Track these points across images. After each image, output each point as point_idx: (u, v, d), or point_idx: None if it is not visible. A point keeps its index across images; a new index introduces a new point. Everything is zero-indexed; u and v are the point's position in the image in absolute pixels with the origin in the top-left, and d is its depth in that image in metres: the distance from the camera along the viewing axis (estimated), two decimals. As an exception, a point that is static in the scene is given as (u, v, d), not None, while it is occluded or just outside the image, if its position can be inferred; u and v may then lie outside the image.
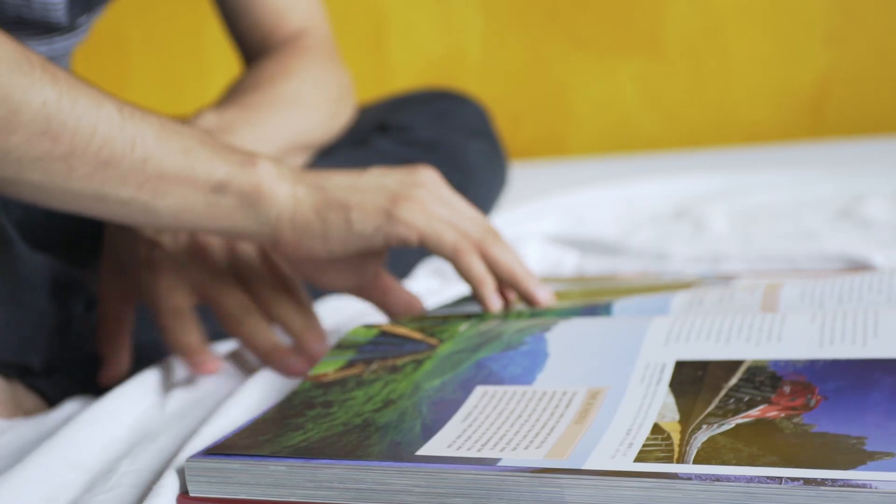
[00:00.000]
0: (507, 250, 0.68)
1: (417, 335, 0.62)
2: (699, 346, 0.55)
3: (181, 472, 0.50)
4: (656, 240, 1.09)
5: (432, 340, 0.60)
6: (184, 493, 0.49)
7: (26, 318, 0.68)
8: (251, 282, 0.70)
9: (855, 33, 1.87)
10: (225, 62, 1.48)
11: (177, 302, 0.68)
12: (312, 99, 0.89)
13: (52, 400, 0.70)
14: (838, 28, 1.88)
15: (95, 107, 0.58)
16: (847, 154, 1.64)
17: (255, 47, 0.94)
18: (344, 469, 0.47)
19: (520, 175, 1.35)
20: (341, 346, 0.62)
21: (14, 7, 0.72)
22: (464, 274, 0.67)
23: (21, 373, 0.70)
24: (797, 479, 0.41)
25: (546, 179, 1.50)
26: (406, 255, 0.92)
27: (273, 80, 0.86)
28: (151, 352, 0.74)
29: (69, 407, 0.67)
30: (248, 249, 0.71)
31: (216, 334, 0.74)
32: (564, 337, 0.59)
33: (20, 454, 0.57)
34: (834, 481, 0.41)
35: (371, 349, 0.61)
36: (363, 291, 0.71)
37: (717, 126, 1.93)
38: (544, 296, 0.68)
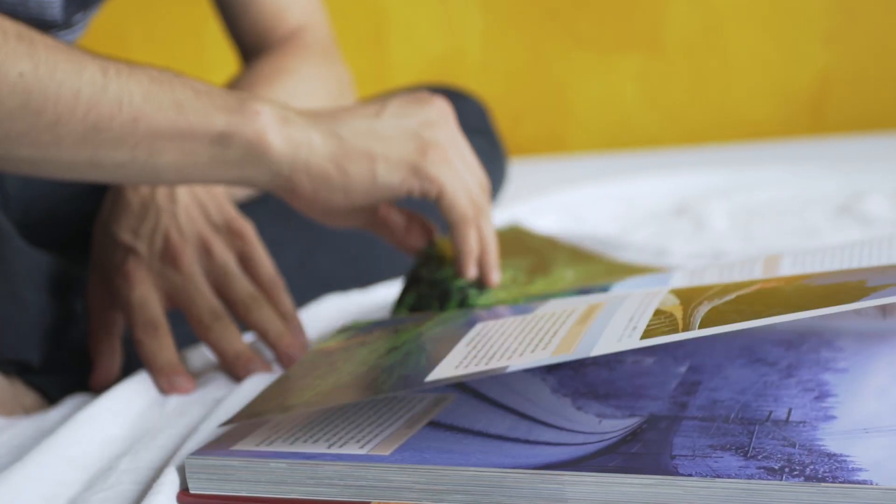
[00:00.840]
0: (491, 227, 0.69)
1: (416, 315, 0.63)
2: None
3: (181, 470, 0.50)
4: (656, 237, 1.09)
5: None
6: (184, 490, 0.49)
7: (25, 316, 0.68)
8: (227, 287, 0.69)
9: (855, 31, 1.87)
10: (225, 61, 1.48)
11: (150, 314, 0.67)
12: (312, 96, 0.89)
13: (51, 398, 0.70)
14: (838, 26, 1.87)
15: (77, 71, 0.57)
16: (847, 151, 1.64)
17: (253, 46, 0.93)
18: (345, 466, 0.47)
19: (519, 172, 1.35)
20: (343, 329, 0.63)
21: (9, 4, 0.72)
22: (459, 242, 0.67)
23: (21, 370, 0.70)
24: (798, 476, 0.41)
25: (546, 177, 1.50)
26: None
27: (270, 78, 0.86)
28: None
29: (69, 405, 0.67)
30: (224, 254, 0.70)
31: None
32: (565, 301, 0.60)
33: (20, 452, 0.57)
34: (835, 478, 0.41)
35: (372, 327, 0.62)
36: (374, 228, 0.71)
37: (717, 124, 1.93)
38: (496, 278, 0.69)
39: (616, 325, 0.48)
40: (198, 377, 0.68)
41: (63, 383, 0.71)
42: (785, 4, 1.89)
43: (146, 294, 0.68)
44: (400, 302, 0.70)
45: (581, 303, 0.54)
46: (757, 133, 1.90)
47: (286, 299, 0.71)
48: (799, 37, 1.89)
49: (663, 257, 0.98)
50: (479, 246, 0.68)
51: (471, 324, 0.55)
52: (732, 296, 0.47)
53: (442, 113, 0.66)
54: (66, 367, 0.72)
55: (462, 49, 1.97)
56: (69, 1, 0.76)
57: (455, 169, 0.65)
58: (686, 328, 0.44)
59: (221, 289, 0.69)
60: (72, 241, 0.83)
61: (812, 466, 0.42)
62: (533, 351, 0.47)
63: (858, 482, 0.40)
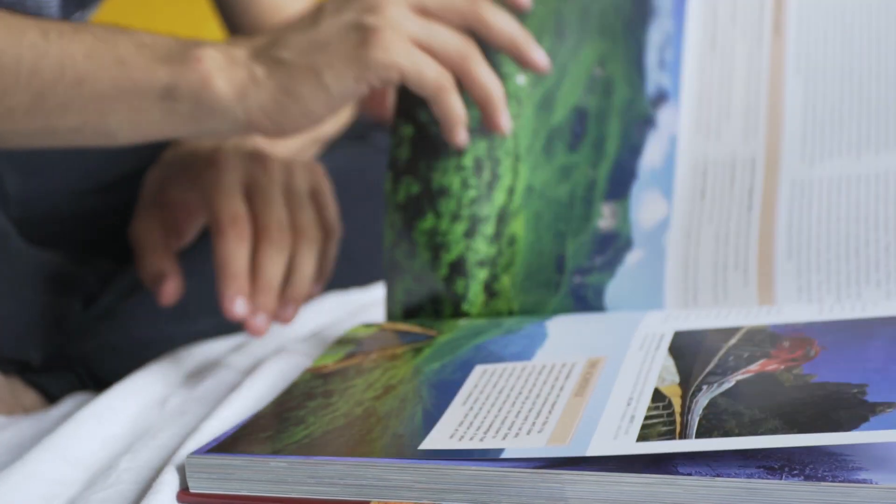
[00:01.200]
0: (485, 71, 0.62)
1: (417, 329, 0.62)
2: (698, 321, 0.56)
3: (181, 469, 0.50)
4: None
5: (431, 332, 0.61)
6: (184, 489, 0.49)
7: (25, 314, 0.68)
8: (295, 211, 0.68)
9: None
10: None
11: (236, 205, 0.66)
12: None
13: (51, 396, 0.70)
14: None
15: (16, 37, 0.56)
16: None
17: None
18: (345, 466, 0.47)
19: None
20: (341, 341, 0.62)
21: (6, 4, 0.72)
22: (442, 114, 0.62)
23: (20, 369, 0.70)
24: (798, 475, 0.41)
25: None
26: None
27: None
28: (155, 347, 0.74)
29: (69, 403, 0.67)
30: (302, 180, 0.69)
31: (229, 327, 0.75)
32: (564, 322, 0.59)
33: (20, 451, 0.57)
34: (835, 477, 0.41)
35: (370, 343, 0.61)
36: (363, 108, 0.70)
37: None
38: (506, 124, 0.63)
39: (614, 407, 0.48)
40: (198, 376, 0.68)
41: (63, 382, 0.71)
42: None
43: (234, 183, 0.66)
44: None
45: (580, 356, 0.54)
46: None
47: (333, 251, 0.71)
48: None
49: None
50: (465, 108, 0.62)
51: (468, 366, 0.55)
52: (732, 382, 0.47)
53: None
54: (65, 366, 0.72)
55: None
56: (66, 2, 0.76)
57: (409, 39, 0.58)
58: (683, 431, 0.44)
59: (291, 211, 0.69)
60: (71, 240, 0.83)
61: (812, 466, 0.42)
62: (528, 433, 0.47)
63: (858, 482, 0.40)
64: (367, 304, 0.81)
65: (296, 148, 0.79)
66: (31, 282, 0.70)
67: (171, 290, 0.68)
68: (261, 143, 0.71)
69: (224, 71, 0.57)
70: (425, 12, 0.59)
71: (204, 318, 0.77)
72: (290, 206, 0.68)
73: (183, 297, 0.78)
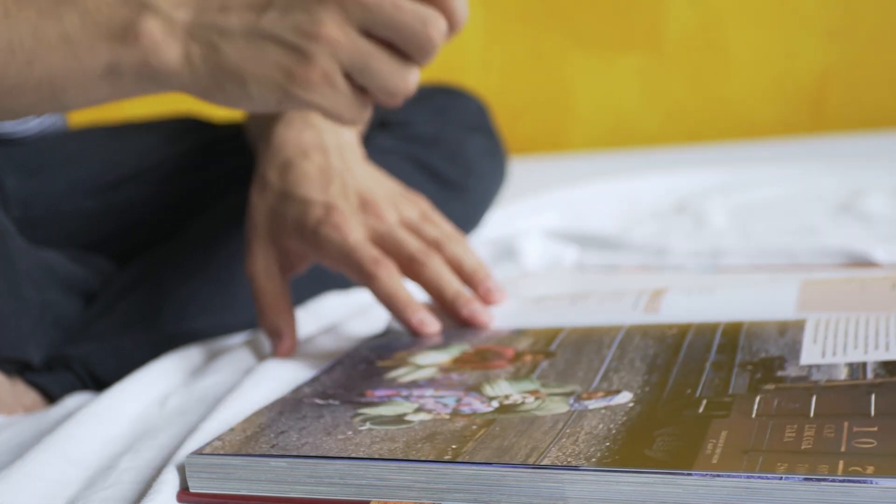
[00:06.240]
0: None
1: None
2: None
3: (181, 469, 0.50)
4: (656, 235, 1.09)
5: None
6: (184, 489, 0.49)
7: (26, 314, 0.68)
8: (420, 232, 0.71)
9: (855, 29, 1.87)
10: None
11: (373, 252, 0.68)
12: None
13: (51, 396, 0.70)
14: (838, 24, 1.87)
15: None
16: (847, 148, 1.64)
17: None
18: (345, 465, 0.47)
19: (520, 170, 1.35)
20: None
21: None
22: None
23: (21, 369, 0.70)
24: (797, 475, 0.41)
25: (546, 175, 1.50)
26: None
27: None
28: (156, 347, 0.74)
29: (69, 403, 0.67)
30: (410, 209, 0.72)
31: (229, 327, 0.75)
32: None
33: (20, 450, 0.57)
34: (834, 477, 0.41)
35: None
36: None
37: (716, 121, 1.93)
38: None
39: None
40: (198, 376, 0.68)
41: (63, 382, 0.71)
42: (785, 2, 1.89)
43: (361, 236, 0.69)
44: None
45: None
46: (757, 131, 1.90)
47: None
48: (799, 34, 1.89)
49: (663, 255, 0.98)
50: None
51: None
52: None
53: (331, 16, 0.56)
54: (66, 366, 0.72)
55: (462, 47, 1.97)
56: None
57: (331, 82, 0.57)
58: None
59: (415, 233, 0.71)
60: (72, 240, 0.83)
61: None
62: None
63: (858, 481, 0.40)
64: (367, 305, 0.81)
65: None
66: (32, 281, 0.70)
67: (286, 347, 0.70)
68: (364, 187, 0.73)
69: (161, 46, 0.56)
70: (368, 31, 0.57)
71: (204, 318, 0.77)
72: (414, 233, 0.71)
73: (183, 297, 0.78)
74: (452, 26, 0.58)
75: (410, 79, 0.58)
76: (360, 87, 0.58)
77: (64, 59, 0.56)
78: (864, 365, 0.51)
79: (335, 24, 0.56)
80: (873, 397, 0.47)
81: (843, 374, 0.51)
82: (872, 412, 0.46)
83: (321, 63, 0.56)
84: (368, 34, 0.57)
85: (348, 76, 0.57)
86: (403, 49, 0.57)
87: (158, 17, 0.57)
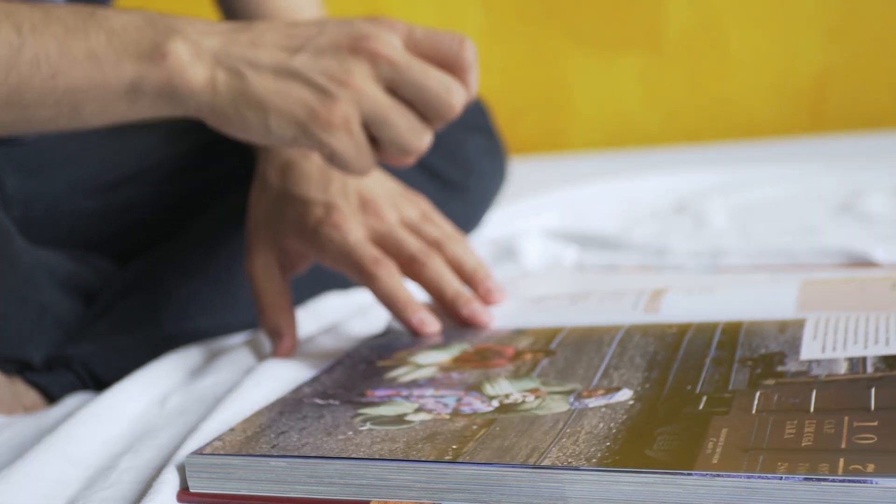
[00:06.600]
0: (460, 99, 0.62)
1: None
2: None
3: (181, 469, 0.50)
4: (656, 235, 1.09)
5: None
6: (184, 489, 0.49)
7: (26, 314, 0.68)
8: (420, 231, 0.71)
9: (854, 29, 1.87)
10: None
11: (372, 252, 0.68)
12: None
13: (52, 396, 0.70)
14: (838, 24, 1.87)
15: None
16: (847, 148, 1.64)
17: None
18: (345, 465, 0.47)
19: (520, 170, 1.35)
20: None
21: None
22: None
23: (21, 368, 0.70)
24: (798, 475, 0.41)
25: (546, 175, 1.50)
26: None
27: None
28: (155, 347, 0.74)
29: (69, 403, 0.67)
30: (410, 208, 0.72)
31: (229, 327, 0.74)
32: None
33: (20, 450, 0.57)
34: (834, 476, 0.41)
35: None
36: None
37: (716, 121, 1.93)
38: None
39: None
40: (198, 376, 0.68)
41: (63, 382, 0.71)
42: (785, 2, 1.89)
43: (362, 237, 0.69)
44: None
45: None
46: (757, 131, 1.90)
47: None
48: (799, 34, 1.89)
49: (663, 255, 0.98)
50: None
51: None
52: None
53: (361, 68, 0.58)
54: (66, 366, 0.72)
55: (462, 47, 1.97)
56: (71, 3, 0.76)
57: (349, 130, 0.59)
58: None
59: (415, 234, 0.71)
60: (72, 240, 0.83)
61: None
62: None
63: (858, 481, 0.40)
64: (367, 305, 0.81)
65: None
66: (32, 281, 0.70)
67: (286, 347, 0.70)
68: (364, 188, 0.73)
69: (187, 68, 0.58)
70: (393, 89, 0.59)
71: (204, 318, 0.77)
72: (415, 234, 0.71)
73: (183, 297, 0.78)
74: (468, 98, 0.61)
75: (425, 139, 0.60)
76: (373, 140, 0.60)
77: (88, 75, 0.57)
78: (864, 359, 0.51)
79: (364, 76, 0.58)
80: (873, 391, 0.47)
81: (843, 369, 0.51)
82: (872, 406, 0.46)
83: (344, 108, 0.58)
84: (393, 92, 0.59)
85: (366, 127, 0.59)
86: (423, 111, 0.60)
87: (187, 41, 0.58)
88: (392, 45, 0.59)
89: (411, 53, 0.59)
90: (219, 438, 0.51)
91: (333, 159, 0.59)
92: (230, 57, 0.59)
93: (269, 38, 0.59)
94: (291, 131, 0.58)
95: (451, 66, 0.60)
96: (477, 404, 0.53)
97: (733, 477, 0.42)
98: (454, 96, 0.60)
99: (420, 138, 0.60)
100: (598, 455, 0.45)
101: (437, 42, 0.60)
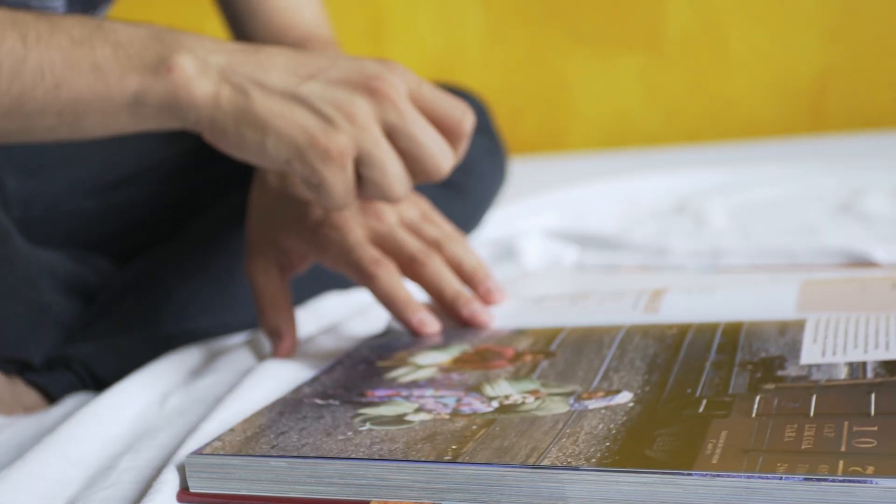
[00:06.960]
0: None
1: None
2: None
3: (181, 469, 0.50)
4: (656, 235, 1.09)
5: None
6: (184, 489, 0.49)
7: (26, 314, 0.68)
8: (420, 231, 0.71)
9: (855, 29, 1.87)
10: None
11: (372, 252, 0.68)
12: None
13: (51, 396, 0.70)
14: (838, 24, 1.87)
15: None
16: (847, 148, 1.64)
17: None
18: (345, 465, 0.47)
19: (520, 170, 1.35)
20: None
21: (11, 5, 0.72)
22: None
23: (21, 368, 0.70)
24: (797, 476, 0.41)
25: (546, 174, 1.50)
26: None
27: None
28: (155, 347, 0.74)
29: (69, 403, 0.67)
30: (411, 209, 0.72)
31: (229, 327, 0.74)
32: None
33: (20, 450, 0.57)
34: (834, 476, 0.41)
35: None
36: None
37: (716, 121, 1.93)
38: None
39: None
40: (198, 376, 0.68)
41: (63, 382, 0.71)
42: (785, 2, 1.89)
43: (362, 237, 0.69)
44: None
45: None
46: (757, 131, 1.90)
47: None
48: (799, 34, 1.89)
49: (663, 255, 0.98)
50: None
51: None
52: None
53: (368, 107, 0.59)
54: (66, 366, 0.72)
55: (462, 46, 1.97)
56: (72, 3, 0.76)
57: (346, 162, 0.59)
58: None
59: (415, 234, 0.71)
60: (72, 240, 0.83)
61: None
62: None
63: (858, 481, 0.40)
64: (367, 305, 0.81)
65: None
66: (32, 281, 0.70)
67: (286, 347, 0.70)
68: None
69: (193, 82, 0.58)
70: (392, 135, 0.60)
71: (204, 318, 0.77)
72: (415, 234, 0.71)
73: (183, 297, 0.78)
74: (455, 163, 0.62)
75: (406, 191, 0.61)
76: (357, 178, 0.60)
77: (92, 86, 0.57)
78: (864, 364, 0.51)
79: (369, 115, 0.59)
80: (873, 396, 0.47)
81: (843, 374, 0.51)
82: (872, 411, 0.46)
83: (344, 141, 0.58)
84: (389, 138, 0.59)
85: (355, 165, 0.59)
86: (412, 165, 0.60)
87: (194, 56, 0.58)
88: (401, 93, 0.59)
89: (415, 106, 0.60)
90: (219, 439, 0.51)
91: (319, 189, 0.59)
92: (237, 74, 0.59)
93: (280, 62, 0.60)
94: (287, 154, 0.58)
95: (449, 131, 0.61)
96: (477, 405, 0.53)
97: (733, 477, 0.42)
98: (445, 161, 0.61)
99: (403, 188, 0.60)
100: (598, 455, 0.45)
101: (442, 104, 0.61)
